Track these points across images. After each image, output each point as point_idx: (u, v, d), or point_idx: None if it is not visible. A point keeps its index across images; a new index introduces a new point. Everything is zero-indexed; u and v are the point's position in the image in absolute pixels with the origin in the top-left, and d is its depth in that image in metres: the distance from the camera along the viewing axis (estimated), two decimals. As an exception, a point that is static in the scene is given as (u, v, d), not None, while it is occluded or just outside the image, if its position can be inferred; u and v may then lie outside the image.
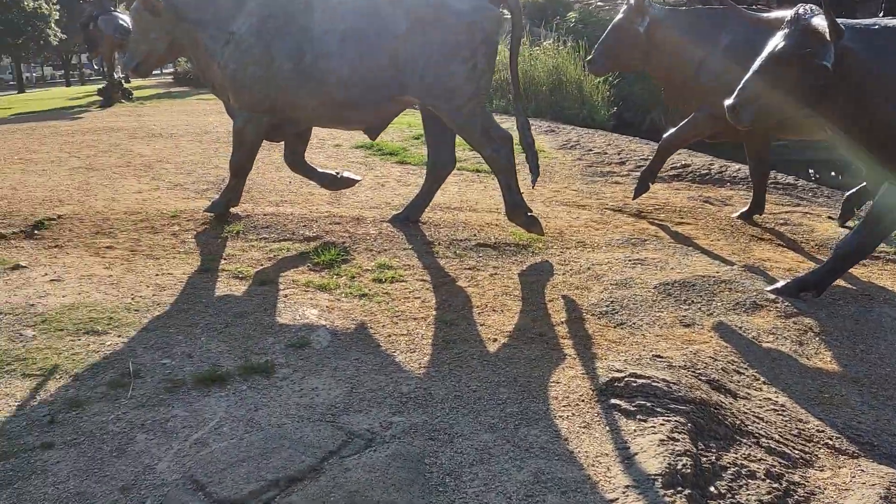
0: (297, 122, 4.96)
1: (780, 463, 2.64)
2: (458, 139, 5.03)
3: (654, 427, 2.68)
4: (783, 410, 3.06)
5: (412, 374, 3.11)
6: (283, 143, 5.34)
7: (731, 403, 3.02)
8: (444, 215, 5.27)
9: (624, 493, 2.33)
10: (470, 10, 4.44)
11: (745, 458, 2.62)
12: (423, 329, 3.55)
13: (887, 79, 3.83)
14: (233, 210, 5.21)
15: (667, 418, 2.73)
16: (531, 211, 4.72)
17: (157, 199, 5.71)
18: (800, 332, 3.84)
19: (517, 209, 4.65)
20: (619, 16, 5.93)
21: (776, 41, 4.01)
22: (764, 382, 3.31)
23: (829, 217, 6.25)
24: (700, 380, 3.14)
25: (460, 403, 2.87)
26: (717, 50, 5.51)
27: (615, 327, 3.69)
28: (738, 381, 3.26)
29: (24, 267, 4.21)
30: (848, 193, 6.00)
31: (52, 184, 6.08)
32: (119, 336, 3.39)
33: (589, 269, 4.43)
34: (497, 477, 2.41)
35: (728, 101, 4.15)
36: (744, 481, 2.49)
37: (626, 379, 2.97)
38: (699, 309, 4.01)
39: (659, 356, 3.32)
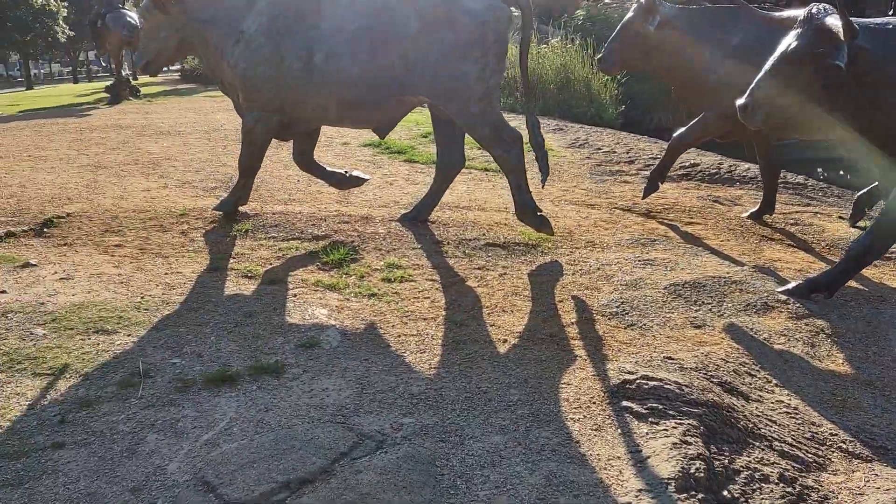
0: (307, 121, 4.96)
1: (793, 467, 2.62)
2: (468, 138, 5.01)
3: (667, 430, 2.66)
4: (796, 413, 3.03)
5: (422, 374, 3.10)
6: (291, 141, 5.34)
7: (743, 406, 2.99)
8: (452, 214, 5.26)
9: (637, 496, 2.31)
10: (481, 10, 4.42)
11: (758, 462, 2.60)
12: (432, 329, 3.54)
13: (900, 79, 3.80)
14: (241, 209, 5.21)
15: (679, 421, 2.71)
16: (541, 211, 4.70)
17: (165, 197, 5.72)
18: (812, 334, 3.81)
19: (527, 209, 4.63)
20: (630, 15, 5.90)
21: (789, 41, 3.99)
22: (776, 385, 3.29)
23: (840, 217, 6.21)
24: (712, 382, 3.12)
25: (471, 405, 2.86)
26: (727, 49, 5.47)
27: (626, 328, 3.67)
28: (751, 384, 3.24)
29: (34, 265, 4.21)
30: (859, 193, 5.96)
31: (60, 181, 6.10)
32: (129, 335, 3.39)
33: (599, 269, 4.41)
34: (509, 480, 2.40)
35: (740, 101, 4.13)
36: (757, 485, 2.47)
37: (638, 381, 2.95)
38: (710, 310, 3.98)
39: (670, 358, 3.30)
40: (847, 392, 3.26)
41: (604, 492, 2.35)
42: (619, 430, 2.70)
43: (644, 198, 5.99)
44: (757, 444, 2.73)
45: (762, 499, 2.41)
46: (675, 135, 5.90)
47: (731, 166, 7.51)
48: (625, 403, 2.85)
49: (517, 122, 5.54)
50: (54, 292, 3.82)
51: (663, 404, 2.82)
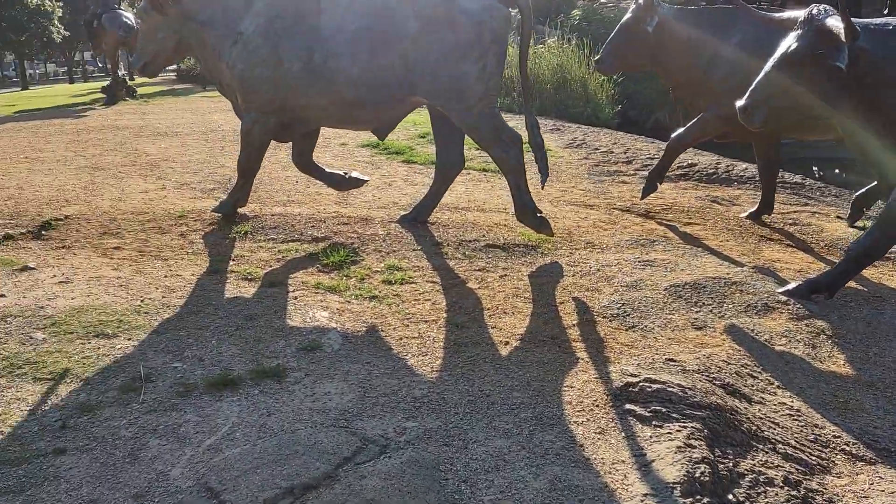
0: (306, 122, 4.95)
1: (797, 469, 2.62)
2: (467, 139, 5.01)
3: (671, 433, 2.65)
4: (798, 415, 3.03)
5: (425, 378, 3.09)
6: (290, 143, 5.32)
7: (746, 408, 2.99)
8: (452, 216, 5.25)
9: (642, 501, 2.31)
10: (480, 10, 4.41)
11: (762, 465, 2.60)
12: (434, 332, 3.53)
13: (901, 80, 3.80)
14: (240, 210, 5.20)
15: (683, 424, 2.71)
16: (541, 212, 4.69)
17: (163, 198, 5.70)
18: (812, 335, 3.81)
19: (527, 210, 4.63)
20: (628, 15, 5.90)
21: (789, 42, 3.99)
22: (778, 386, 3.29)
23: (838, 217, 6.22)
24: (714, 384, 3.11)
25: (474, 408, 2.85)
26: (726, 50, 5.48)
27: (627, 330, 3.67)
28: (753, 386, 3.24)
29: (33, 268, 4.20)
30: (857, 193, 5.97)
31: (58, 183, 6.07)
32: (129, 339, 3.38)
33: (599, 270, 4.41)
34: (513, 484, 2.39)
35: (740, 103, 4.13)
36: (762, 489, 2.47)
37: (641, 384, 2.95)
38: (710, 311, 3.98)
39: (672, 360, 3.30)
40: (849, 394, 3.27)
41: (609, 496, 2.35)
42: (623, 434, 2.69)
43: (643, 198, 5.99)
44: (760, 446, 2.73)
45: (767, 502, 2.41)
46: (673, 135, 5.90)
47: (728, 166, 7.52)
48: (628, 406, 2.85)
49: (515, 122, 5.54)
50: (53, 296, 3.80)
51: (667, 407, 2.81)
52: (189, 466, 2.49)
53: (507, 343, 3.44)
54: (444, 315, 3.72)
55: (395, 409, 2.84)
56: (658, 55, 5.79)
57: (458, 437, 2.65)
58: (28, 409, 2.82)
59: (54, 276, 4.09)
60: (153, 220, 5.09)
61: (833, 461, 2.73)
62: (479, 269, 4.35)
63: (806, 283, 4.25)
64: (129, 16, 12.42)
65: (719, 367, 3.30)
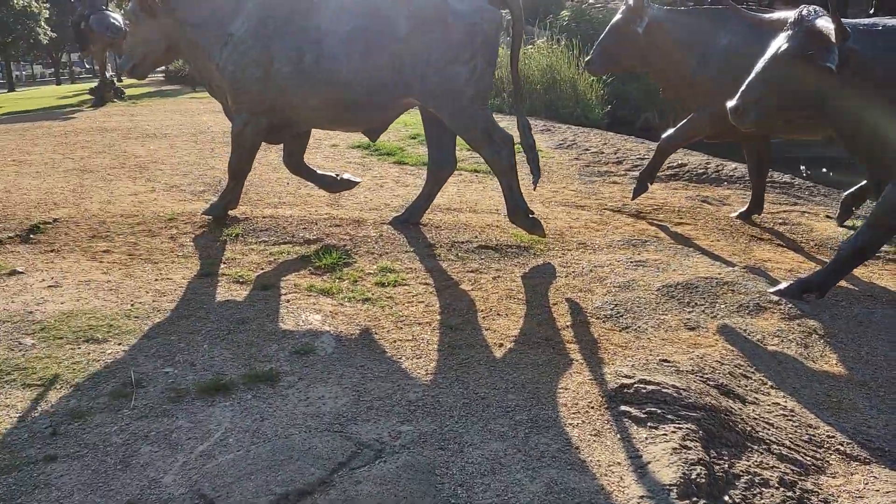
0: (297, 123, 4.92)
1: (792, 470, 2.62)
2: (459, 140, 5.00)
3: (666, 435, 2.65)
4: (792, 416, 3.04)
5: (419, 381, 3.08)
6: (281, 144, 5.30)
7: (740, 409, 3.00)
8: (444, 217, 5.24)
9: (639, 503, 2.30)
10: (470, 12, 4.41)
11: (757, 466, 2.60)
12: (428, 334, 3.52)
13: (891, 79, 3.82)
14: (231, 212, 5.16)
15: (678, 426, 2.71)
16: (533, 212, 4.69)
17: (153, 201, 5.66)
18: (804, 335, 3.82)
19: (519, 211, 4.62)
20: (618, 16, 5.91)
21: (779, 42, 4.01)
22: (772, 387, 3.29)
23: (828, 216, 6.25)
24: (708, 385, 3.12)
25: (469, 411, 2.84)
26: (715, 50, 5.49)
27: (620, 331, 3.67)
28: (746, 386, 3.25)
29: (21, 272, 4.15)
30: (846, 193, 6.00)
31: (46, 186, 6.02)
32: (119, 344, 3.35)
33: (591, 271, 4.41)
34: (510, 488, 2.38)
35: (731, 103, 4.14)
36: (758, 490, 2.47)
37: (636, 385, 2.94)
38: (703, 311, 3.99)
39: (666, 361, 3.30)
40: (842, 393, 3.28)
41: (605, 499, 2.34)
42: (619, 436, 2.69)
43: (633, 199, 6.00)
44: (755, 447, 2.73)
45: (763, 503, 2.41)
46: (663, 136, 5.92)
47: (718, 166, 7.54)
48: (623, 408, 2.85)
49: (505, 122, 5.54)
50: (42, 300, 3.76)
51: (662, 408, 2.81)
52: (182, 473, 2.46)
53: (501, 345, 3.43)
54: (438, 317, 3.70)
55: (390, 412, 2.82)
56: (648, 56, 5.80)
57: (454, 440, 2.64)
58: (17, 415, 2.78)
59: (43, 280, 4.05)
60: (143, 222, 5.05)
61: (828, 461, 2.74)
62: (472, 271, 4.34)
63: (797, 283, 4.26)
64: (116, 17, 12.33)
65: (713, 368, 3.30)
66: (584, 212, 5.73)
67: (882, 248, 4.88)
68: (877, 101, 3.87)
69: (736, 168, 7.38)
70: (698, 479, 2.40)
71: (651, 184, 6.03)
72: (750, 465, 2.60)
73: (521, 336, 3.53)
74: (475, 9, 4.42)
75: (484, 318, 3.73)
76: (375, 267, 4.31)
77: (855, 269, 4.45)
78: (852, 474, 2.66)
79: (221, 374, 3.12)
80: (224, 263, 4.41)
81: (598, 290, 4.12)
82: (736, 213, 6.00)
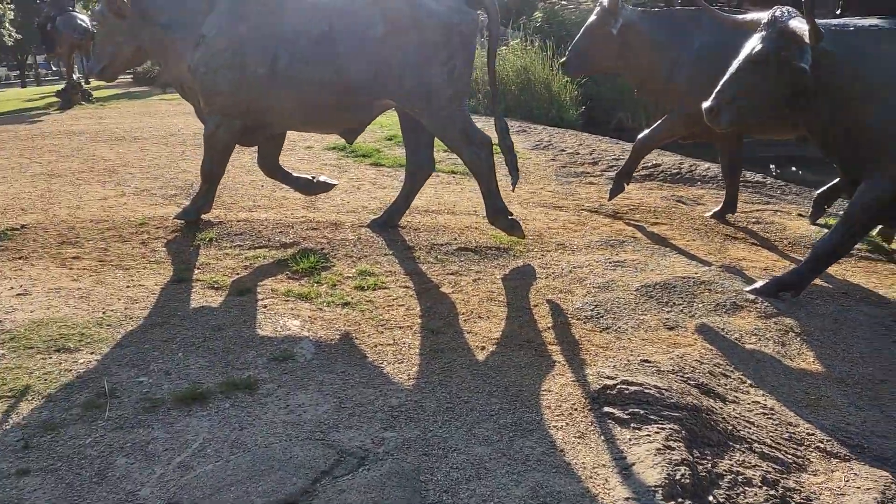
0: (272, 125, 4.86)
1: (774, 469, 2.63)
2: (436, 141, 4.97)
3: (650, 435, 2.65)
4: (772, 414, 3.06)
5: (401, 386, 3.04)
6: (255, 146, 5.22)
7: (721, 408, 3.01)
8: (422, 219, 5.21)
9: (625, 506, 2.29)
10: (447, 13, 4.38)
11: (740, 465, 2.61)
12: (409, 338, 3.48)
13: (863, 80, 3.88)
14: (204, 217, 5.08)
15: (661, 426, 2.71)
16: (512, 214, 4.68)
17: (123, 205, 5.55)
18: (781, 333, 3.86)
19: (498, 213, 4.61)
20: (593, 17, 5.93)
21: (753, 43, 4.04)
22: (751, 385, 3.31)
23: (800, 215, 6.33)
24: (689, 385, 3.13)
25: (452, 416, 2.81)
26: (689, 51, 5.53)
27: (601, 332, 3.67)
28: (726, 385, 3.26)
29: (-12, 281, 4.04)
30: (818, 192, 6.08)
31: (13, 191, 5.87)
32: (92, 353, 3.26)
33: (571, 272, 4.41)
34: (495, 493, 2.36)
35: (706, 104, 4.16)
36: (741, 489, 2.48)
37: (619, 386, 2.94)
38: (681, 311, 4.01)
39: (647, 361, 3.31)
40: (820, 391, 3.31)
41: (591, 501, 2.33)
42: (603, 437, 2.68)
43: (610, 199, 6.02)
44: (737, 446, 2.74)
45: (747, 502, 2.41)
46: (639, 137, 5.94)
47: (691, 166, 7.61)
48: (606, 409, 2.84)
49: (481, 124, 5.51)
50: (11, 309, 3.66)
51: (644, 409, 2.81)
52: (159, 485, 2.40)
53: (483, 348, 3.41)
54: (419, 321, 3.67)
55: (373, 419, 2.78)
56: (623, 57, 5.83)
57: (438, 445, 2.61)
58: (-13, 429, 2.70)
59: (11, 288, 3.94)
60: (113, 228, 4.95)
61: (808, 459, 2.76)
62: (452, 273, 4.31)
63: (773, 282, 4.30)
64: (84, 18, 12.11)
65: (693, 367, 3.31)
66: (562, 213, 5.73)
67: (856, 246, 4.95)
68: (849, 101, 3.92)
69: (709, 168, 7.44)
70: (683, 480, 2.40)
71: (627, 184, 6.05)
72: (732, 465, 2.61)
73: (502, 338, 3.52)
74: (452, 9, 4.40)
75: (465, 320, 3.70)
76: (354, 270, 4.27)
77: (829, 268, 4.50)
78: (833, 471, 2.68)
79: (198, 382, 3.06)
80: (198, 269, 4.34)
81: (578, 291, 4.12)
82: (710, 213, 6.05)
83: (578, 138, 8.79)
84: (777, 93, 4.00)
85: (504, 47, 12.30)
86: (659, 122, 5.80)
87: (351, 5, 4.47)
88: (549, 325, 3.70)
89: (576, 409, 2.87)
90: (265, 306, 3.82)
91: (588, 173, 7.24)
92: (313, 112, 4.65)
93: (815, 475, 2.66)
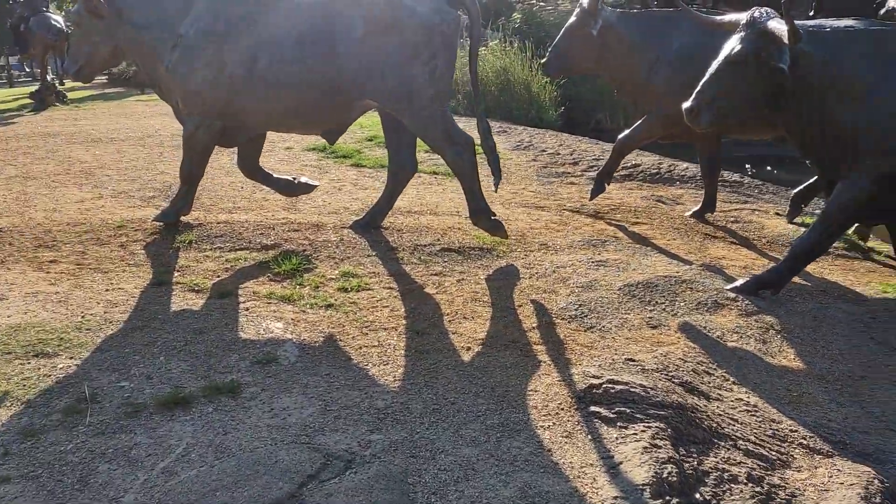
0: (252, 126, 4.81)
1: (759, 465, 2.65)
2: (419, 142, 4.96)
3: (636, 434, 2.66)
4: (756, 411, 3.09)
5: (387, 388, 3.03)
6: (234, 147, 5.17)
7: (705, 406, 3.03)
8: (405, 220, 5.19)
9: (613, 504, 2.30)
10: (428, 13, 4.37)
11: (725, 462, 2.63)
12: (394, 340, 3.47)
13: (841, 80, 3.93)
14: (183, 219, 5.02)
15: (647, 424, 2.72)
16: (495, 214, 4.68)
17: (101, 208, 5.47)
18: (762, 331, 3.90)
19: (481, 213, 4.61)
20: (572, 19, 5.95)
21: (732, 44, 4.08)
22: (734, 383, 3.34)
23: (777, 213, 6.40)
24: (673, 383, 3.14)
25: (439, 417, 2.80)
26: (668, 53, 5.57)
27: (585, 331, 3.68)
28: (710, 383, 3.29)
29: (-38, 285, 3.95)
30: (795, 191, 6.15)
31: (-14, 194, 5.76)
32: (71, 358, 3.21)
33: (554, 271, 4.42)
34: (483, 494, 2.35)
35: (686, 104, 4.20)
36: (727, 486, 2.49)
37: (605, 385, 2.95)
38: (664, 309, 4.04)
39: (631, 360, 3.32)
40: (801, 387, 3.35)
41: (579, 501, 2.33)
42: (590, 437, 2.69)
43: (591, 199, 6.05)
44: (722, 443, 2.76)
45: (733, 499, 2.43)
46: (619, 137, 5.97)
47: (670, 166, 7.66)
48: (593, 408, 2.85)
49: (461, 124, 5.50)
50: (-13, 314, 3.59)
51: (630, 408, 2.82)
52: (143, 492, 2.37)
53: (468, 349, 3.41)
54: (404, 322, 3.66)
55: (359, 421, 2.77)
56: (603, 58, 5.86)
57: (425, 447, 2.60)
58: (-36, 437, 2.64)
59: (-14, 292, 3.86)
60: (91, 230, 4.87)
61: (792, 455, 2.78)
62: (435, 274, 4.30)
63: (753, 280, 4.35)
64: (58, 19, 11.94)
65: (677, 366, 3.33)
66: (544, 213, 5.75)
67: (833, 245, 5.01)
68: (826, 101, 3.97)
69: (687, 168, 7.51)
70: (670, 478, 2.41)
71: (608, 184, 6.08)
72: (718, 462, 2.63)
73: (488, 339, 3.51)
74: (434, 10, 4.39)
75: (450, 321, 3.69)
76: (337, 272, 4.24)
77: (807, 266, 4.56)
78: (816, 467, 2.71)
79: (180, 386, 3.02)
80: (178, 271, 4.28)
81: (562, 291, 4.13)
82: (690, 212, 6.10)
83: (558, 139, 8.82)
84: (756, 93, 4.04)
85: (483, 48, 12.32)
86: (638, 122, 5.83)
87: (331, 6, 4.45)
88: (534, 324, 3.70)
89: (562, 409, 2.88)
90: (247, 309, 3.78)
91: (569, 173, 7.26)
92: (294, 113, 4.62)
93: (798, 471, 2.68)
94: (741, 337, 3.81)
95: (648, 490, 2.34)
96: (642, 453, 2.53)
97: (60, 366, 3.13)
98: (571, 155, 7.91)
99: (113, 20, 4.65)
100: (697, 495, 2.42)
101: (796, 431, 2.95)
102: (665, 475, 2.42)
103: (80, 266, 4.31)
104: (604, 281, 4.30)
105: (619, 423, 2.75)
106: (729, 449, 2.73)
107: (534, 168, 7.37)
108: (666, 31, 5.62)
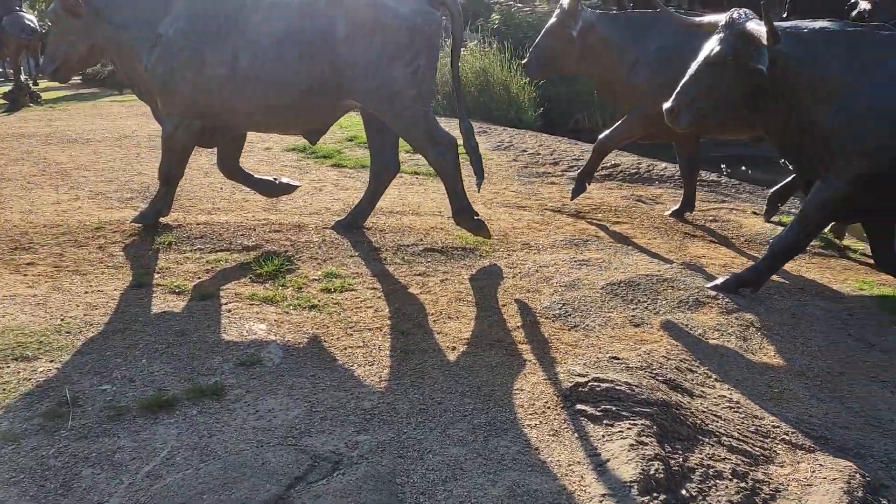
0: (232, 127, 4.77)
1: (743, 461, 2.69)
2: (401, 142, 4.95)
3: (622, 431, 2.68)
4: (738, 407, 3.12)
5: (373, 388, 3.02)
6: (213, 148, 5.13)
7: (689, 403, 3.06)
8: (387, 220, 5.18)
9: (601, 502, 2.31)
10: (411, 14, 4.37)
11: (710, 459, 2.66)
12: (379, 340, 3.46)
13: (818, 81, 3.99)
14: (162, 220, 4.96)
15: (633, 422, 2.74)
16: (478, 214, 4.68)
17: (78, 209, 5.38)
18: (743, 328, 3.94)
19: (464, 213, 4.61)
20: (553, 19, 5.98)
21: (712, 45, 4.12)
22: (716, 380, 3.38)
23: (754, 213, 6.48)
24: (657, 380, 3.17)
25: (426, 417, 2.80)
26: (647, 53, 5.61)
27: (570, 330, 3.70)
28: (693, 380, 3.32)
29: (-63, 289, 3.88)
30: (772, 190, 6.24)
31: (-40, 196, 5.65)
32: (51, 361, 3.16)
33: (537, 271, 4.43)
34: (472, 493, 2.36)
35: (667, 105, 4.24)
36: (712, 482, 2.52)
37: (590, 383, 2.97)
38: (646, 308, 4.07)
39: (615, 358, 3.35)
40: (782, 384, 3.39)
41: (568, 499, 2.34)
42: (576, 435, 2.70)
43: (573, 199, 6.08)
44: (706, 440, 2.79)
45: (719, 496, 2.46)
46: (600, 137, 6.01)
47: (649, 166, 7.73)
48: (579, 407, 2.86)
49: (442, 124, 5.50)
50: (-37, 318, 3.52)
51: (616, 405, 2.84)
52: (128, 496, 2.34)
53: (454, 348, 3.41)
54: (388, 322, 3.65)
55: (345, 422, 2.75)
56: (583, 58, 5.89)
57: (413, 447, 2.59)
58: (-58, 443, 2.59)
59: (-38, 296, 3.79)
60: (68, 232, 4.80)
61: (775, 451, 2.82)
62: (419, 274, 4.30)
63: (733, 278, 4.40)
64: (31, 18, 11.74)
65: (660, 363, 3.36)
66: (526, 212, 5.77)
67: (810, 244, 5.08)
68: (803, 101, 4.03)
69: (666, 168, 7.58)
70: (657, 475, 2.43)
71: (589, 184, 6.12)
72: (703, 458, 2.66)
73: (473, 339, 3.52)
74: (415, 10, 4.38)
75: (435, 321, 3.69)
76: (320, 273, 4.22)
77: (785, 264, 4.62)
78: (799, 463, 2.75)
79: (163, 389, 2.98)
80: (158, 273, 4.23)
81: (546, 290, 4.15)
82: (669, 212, 6.15)
83: (538, 139, 8.85)
84: (735, 94, 4.09)
85: (462, 49, 12.33)
86: (619, 122, 5.87)
87: (313, 6, 4.42)
88: (519, 324, 3.71)
89: (548, 408, 2.89)
90: (229, 310, 3.75)
91: (549, 173, 7.29)
92: (275, 113, 4.58)
93: (782, 467, 2.72)
94: (722, 334, 3.85)
95: (636, 487, 2.36)
96: (629, 451, 2.55)
97: (40, 369, 3.08)
98: (551, 155, 7.94)
99: (90, 19, 4.58)
100: (684, 492, 2.44)
101: (778, 427, 2.98)
102: (652, 472, 2.44)
103: (58, 268, 4.25)
104: (586, 280, 4.32)
105: (605, 421, 2.76)
106: (713, 445, 2.76)
107: (515, 168, 7.39)
108: (645, 32, 5.67)
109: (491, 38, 12.44)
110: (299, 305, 3.80)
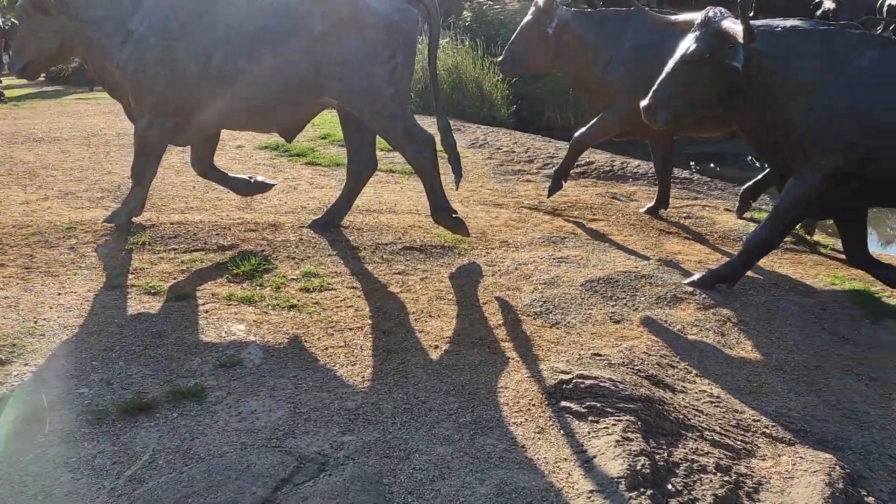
0: (206, 125, 4.70)
1: (726, 455, 2.72)
2: (378, 140, 4.92)
3: (608, 428, 2.70)
4: (719, 402, 3.16)
5: (356, 388, 3.00)
6: (187, 146, 5.05)
7: (671, 398, 3.09)
8: (364, 219, 5.15)
9: (589, 498, 2.32)
10: (388, 11, 4.34)
11: (694, 453, 2.68)
12: (360, 339, 3.43)
13: (792, 79, 4.05)
14: (135, 220, 4.87)
15: (618, 418, 2.76)
16: (456, 212, 4.68)
17: (47, 209, 5.26)
18: (720, 323, 4.00)
19: (442, 211, 4.60)
20: (528, 17, 5.99)
21: (688, 43, 4.17)
22: (696, 375, 3.42)
23: (727, 209, 6.57)
24: (640, 376, 3.20)
25: (411, 416, 2.78)
26: (621, 51, 5.66)
27: (551, 327, 3.71)
28: (674, 375, 3.35)
29: None
30: (745, 187, 6.32)
31: (-78, 196, 5.48)
32: (26, 365, 3.08)
33: (516, 269, 4.44)
34: (460, 492, 2.35)
35: (644, 102, 4.27)
36: (697, 476, 2.55)
37: (574, 380, 2.98)
38: (625, 304, 4.10)
39: (598, 354, 3.37)
40: (761, 378, 3.44)
41: (556, 496, 2.35)
42: (562, 432, 2.71)
43: (549, 196, 6.10)
44: (690, 435, 2.82)
45: (704, 489, 2.48)
46: (576, 134, 6.04)
47: (623, 163, 7.79)
48: (564, 404, 2.87)
49: (419, 122, 5.49)
50: (-70, 321, 3.42)
51: (601, 402, 2.86)
52: (110, 501, 2.29)
53: (436, 347, 3.39)
54: (369, 321, 3.62)
55: (330, 423, 2.73)
56: (558, 56, 5.92)
57: (399, 447, 2.58)
58: (-88, 451, 2.51)
59: (-72, 299, 3.68)
60: (38, 233, 4.68)
61: (756, 445, 2.86)
62: (398, 273, 4.28)
63: (709, 274, 4.45)
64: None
65: (642, 359, 3.39)
66: (503, 210, 5.78)
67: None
68: (779, 99, 4.09)
69: (639, 165, 7.65)
70: (643, 470, 2.45)
71: (565, 181, 6.15)
72: (687, 453, 2.68)
73: (455, 337, 3.51)
74: (393, 8, 4.36)
75: (416, 320, 3.68)
76: (298, 272, 4.18)
77: (759, 260, 4.69)
78: (780, 456, 2.79)
79: (142, 392, 2.93)
80: (132, 274, 4.15)
81: (525, 288, 4.16)
82: (644, 209, 6.21)
83: (512, 136, 8.88)
84: (711, 91, 4.14)
85: (435, 46, 12.31)
86: (594, 120, 5.91)
87: (289, 2, 4.38)
88: (500, 322, 3.72)
89: (534, 405, 2.89)
90: (207, 311, 3.69)
91: (525, 171, 7.32)
92: (250, 110, 4.53)
93: (763, 460, 2.76)
94: (700, 330, 3.90)
95: (623, 483, 2.37)
96: (615, 446, 2.56)
97: (15, 373, 3.00)
98: (526, 153, 7.97)
99: (60, 16, 4.48)
100: (670, 486, 2.47)
101: (759, 421, 3.03)
102: (638, 467, 2.45)
103: (29, 269, 4.14)
104: (566, 277, 4.34)
105: (590, 418, 2.78)
106: (696, 440, 2.79)
107: (490, 166, 7.40)
108: (620, 30, 5.71)
109: (463, 36, 12.44)
110: (278, 305, 3.75)
